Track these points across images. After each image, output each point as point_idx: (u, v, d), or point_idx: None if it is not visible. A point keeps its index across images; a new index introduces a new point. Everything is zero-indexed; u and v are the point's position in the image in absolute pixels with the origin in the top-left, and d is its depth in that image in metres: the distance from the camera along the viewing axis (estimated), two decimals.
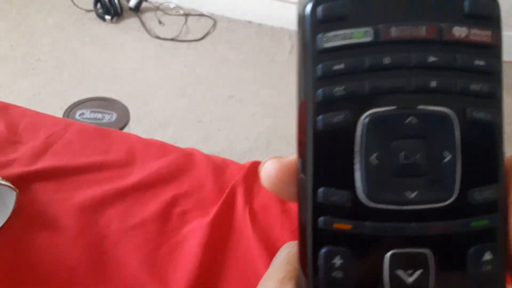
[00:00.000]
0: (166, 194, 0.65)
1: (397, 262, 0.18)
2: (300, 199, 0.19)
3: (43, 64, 1.84)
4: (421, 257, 0.18)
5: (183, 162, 0.70)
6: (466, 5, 0.17)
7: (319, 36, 0.18)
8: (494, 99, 0.18)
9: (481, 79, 0.18)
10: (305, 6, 0.18)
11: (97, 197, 0.62)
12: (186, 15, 2.12)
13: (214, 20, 2.11)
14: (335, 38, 0.17)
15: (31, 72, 1.80)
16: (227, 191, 0.67)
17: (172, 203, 0.64)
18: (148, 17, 2.10)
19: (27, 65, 1.83)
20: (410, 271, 0.18)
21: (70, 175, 0.65)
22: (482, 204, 0.18)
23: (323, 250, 0.18)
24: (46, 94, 1.70)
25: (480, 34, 0.18)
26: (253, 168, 0.69)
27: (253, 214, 0.65)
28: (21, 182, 0.61)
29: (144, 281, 0.55)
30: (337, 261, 0.18)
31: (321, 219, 0.18)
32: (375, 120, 0.17)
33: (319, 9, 0.18)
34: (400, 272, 0.18)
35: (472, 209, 0.18)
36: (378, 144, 0.18)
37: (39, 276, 0.55)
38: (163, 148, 0.72)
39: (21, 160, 0.65)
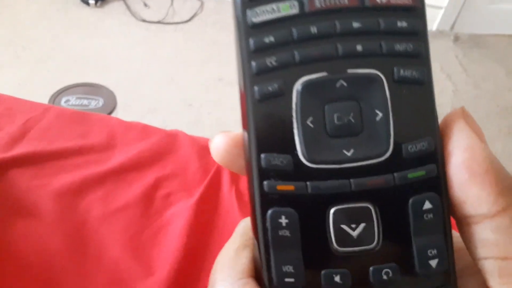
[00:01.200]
0: (148, 177, 0.63)
1: (340, 217, 0.19)
2: (247, 167, 0.20)
3: (28, 52, 1.80)
4: (364, 210, 0.19)
5: (166, 144, 0.68)
6: None
7: (249, 12, 0.19)
8: (420, 58, 0.19)
9: (405, 40, 0.19)
10: None
11: (76, 182, 0.60)
12: None
13: (201, 1, 2.06)
14: (263, 13, 0.19)
15: (15, 61, 1.77)
16: (212, 172, 0.65)
17: (155, 186, 0.62)
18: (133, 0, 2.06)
19: (12, 54, 1.79)
20: (354, 225, 0.19)
21: (48, 160, 0.62)
22: (417, 157, 0.19)
23: (269, 212, 0.19)
24: (32, 83, 1.67)
25: None
26: None
27: (239, 195, 0.63)
28: None
29: (127, 266, 0.53)
30: (283, 220, 0.19)
31: (265, 182, 0.19)
32: (307, 87, 0.18)
33: None
34: (345, 227, 0.19)
35: (408, 161, 0.19)
36: (312, 108, 0.19)
37: (18, 265, 0.53)
38: (145, 130, 0.70)
39: None
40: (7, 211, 0.57)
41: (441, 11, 1.87)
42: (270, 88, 0.18)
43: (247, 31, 0.19)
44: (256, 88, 0.19)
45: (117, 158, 0.64)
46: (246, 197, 0.64)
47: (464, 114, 0.19)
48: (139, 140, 0.68)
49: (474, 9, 1.87)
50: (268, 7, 0.19)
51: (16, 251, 0.54)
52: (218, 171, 0.65)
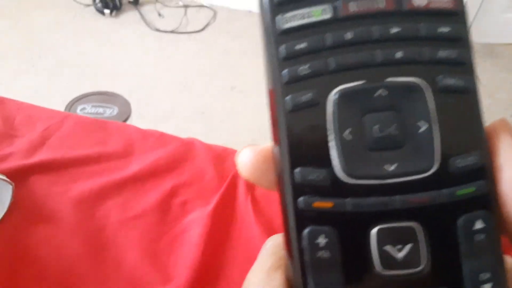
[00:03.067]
0: (165, 184, 0.64)
1: (384, 237, 0.17)
2: (279, 182, 0.18)
3: (44, 60, 1.83)
4: (409, 230, 0.17)
5: (183, 152, 0.69)
6: None
7: (278, 17, 0.18)
8: (464, 65, 0.18)
9: (447, 45, 0.17)
10: None
11: (95, 189, 0.61)
12: (186, 6, 2.10)
13: (214, 11, 2.08)
14: (294, 18, 0.18)
15: (31, 69, 1.80)
16: (228, 180, 0.65)
17: (172, 193, 0.63)
18: (147, 9, 2.09)
19: (27, 62, 1.82)
20: (399, 246, 0.17)
21: (67, 167, 0.63)
22: (466, 172, 0.17)
23: (305, 231, 0.18)
24: (47, 91, 1.69)
25: (441, 1, 0.17)
26: None
27: (255, 203, 0.63)
28: (18, 176, 0.60)
29: (144, 273, 0.54)
30: (321, 240, 0.17)
31: (300, 199, 0.18)
32: (344, 96, 0.17)
33: None
34: (389, 248, 0.17)
35: (456, 177, 0.17)
36: (350, 119, 0.17)
37: (38, 270, 0.54)
38: (162, 138, 0.71)
39: (17, 153, 0.64)
40: (27, 217, 0.58)
41: None
42: (303, 98, 0.17)
43: (277, 37, 0.18)
44: (288, 98, 0.17)
45: (134, 166, 0.65)
46: (262, 205, 0.64)
47: (508, 127, 0.18)
48: (156, 148, 0.68)
49: (487, 18, 1.86)
50: (298, 12, 0.17)
51: (35, 256, 0.55)
52: (234, 179, 0.66)
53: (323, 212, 0.17)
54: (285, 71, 0.17)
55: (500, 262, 0.18)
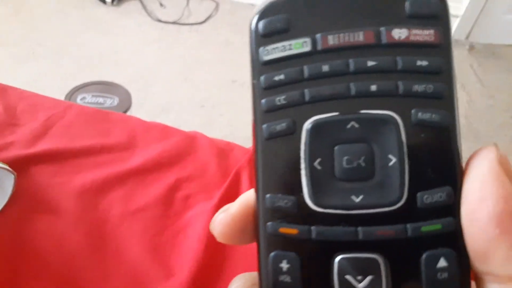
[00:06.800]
0: (168, 178, 0.63)
1: (346, 267, 0.18)
2: (255, 208, 0.19)
3: (44, 49, 1.82)
4: (372, 262, 0.17)
5: (186, 145, 0.68)
6: (407, 5, 0.18)
7: (261, 49, 0.19)
8: (442, 99, 0.17)
9: (425, 79, 0.17)
10: (251, 21, 0.19)
11: (97, 180, 0.60)
12: None
13: (216, 3, 2.07)
14: (275, 51, 0.18)
15: (31, 57, 1.78)
16: (231, 175, 0.65)
17: (175, 187, 0.62)
18: None
19: (28, 50, 1.81)
20: (360, 277, 0.17)
21: (70, 158, 0.63)
22: (434, 208, 0.17)
23: (271, 255, 0.18)
24: (47, 79, 1.68)
25: (422, 34, 0.18)
26: None
27: None
28: (20, 165, 0.59)
29: (146, 267, 0.54)
30: (284, 265, 0.18)
31: (269, 224, 0.18)
32: (317, 126, 0.18)
33: (261, 24, 0.19)
34: (350, 278, 0.17)
35: (423, 213, 0.17)
36: (321, 149, 0.18)
37: (39, 261, 0.53)
38: (165, 131, 0.70)
39: (19, 142, 0.64)
40: (28, 207, 0.58)
41: (457, 20, 1.87)
42: (278, 127, 0.18)
43: (259, 68, 0.19)
44: (265, 126, 0.18)
45: (137, 158, 0.64)
46: None
47: (498, 155, 0.16)
48: (159, 140, 0.68)
49: (490, 19, 1.86)
50: (280, 44, 0.18)
51: (36, 247, 0.55)
52: (237, 175, 0.65)
53: (288, 238, 0.18)
54: (263, 100, 0.18)
55: None
